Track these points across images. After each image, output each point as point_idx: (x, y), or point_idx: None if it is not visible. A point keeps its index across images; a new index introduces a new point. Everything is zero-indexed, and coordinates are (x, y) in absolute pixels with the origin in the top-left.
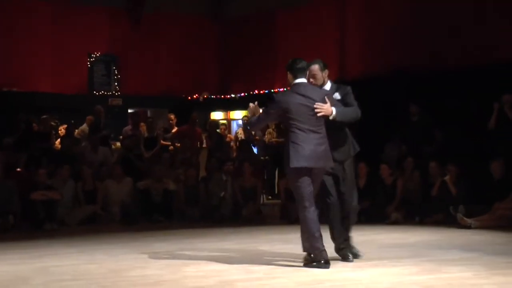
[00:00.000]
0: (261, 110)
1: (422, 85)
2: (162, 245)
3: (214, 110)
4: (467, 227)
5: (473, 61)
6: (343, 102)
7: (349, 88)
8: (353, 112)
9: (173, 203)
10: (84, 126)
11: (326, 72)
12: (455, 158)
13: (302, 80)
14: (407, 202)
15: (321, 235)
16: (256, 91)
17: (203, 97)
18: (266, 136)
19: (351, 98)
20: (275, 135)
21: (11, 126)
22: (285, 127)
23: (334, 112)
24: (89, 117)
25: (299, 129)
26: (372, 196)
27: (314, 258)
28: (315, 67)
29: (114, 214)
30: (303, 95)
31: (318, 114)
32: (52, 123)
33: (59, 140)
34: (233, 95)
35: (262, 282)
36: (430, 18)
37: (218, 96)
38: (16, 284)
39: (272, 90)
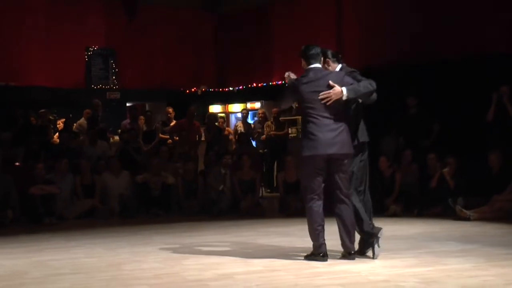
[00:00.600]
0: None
1: (420, 78)
2: (160, 239)
3: (212, 103)
4: (466, 219)
5: (471, 52)
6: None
7: (349, 69)
8: (367, 84)
9: (172, 196)
10: (82, 120)
11: (329, 61)
12: (453, 150)
13: (315, 65)
14: (405, 195)
15: (323, 229)
16: (254, 84)
17: (201, 90)
18: (265, 129)
19: (359, 76)
20: (273, 128)
21: (9, 120)
22: (300, 115)
23: (345, 92)
24: (87, 111)
25: (311, 116)
26: (370, 189)
27: (313, 251)
28: None
29: (112, 207)
30: (311, 82)
31: (328, 103)
32: (50, 117)
33: (57, 134)
34: (231, 88)
35: (261, 275)
36: (428, 9)
37: (216, 89)
38: (14, 278)
39: (270, 83)
